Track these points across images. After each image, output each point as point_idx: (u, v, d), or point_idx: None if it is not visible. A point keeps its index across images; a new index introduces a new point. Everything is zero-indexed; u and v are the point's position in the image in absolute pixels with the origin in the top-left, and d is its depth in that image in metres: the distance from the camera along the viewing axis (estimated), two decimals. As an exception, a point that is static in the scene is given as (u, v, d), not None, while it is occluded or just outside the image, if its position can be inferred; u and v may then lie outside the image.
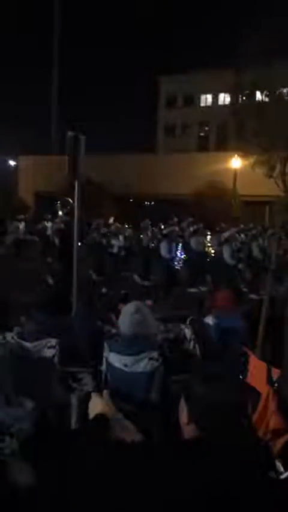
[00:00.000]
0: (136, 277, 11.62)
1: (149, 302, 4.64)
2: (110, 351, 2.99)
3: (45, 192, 26.84)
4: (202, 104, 42.89)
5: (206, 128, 42.17)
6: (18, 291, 4.64)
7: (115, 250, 12.02)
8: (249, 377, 3.13)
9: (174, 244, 11.13)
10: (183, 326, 3.89)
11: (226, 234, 11.77)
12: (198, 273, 10.40)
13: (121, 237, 12.33)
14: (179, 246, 11.44)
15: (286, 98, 11.11)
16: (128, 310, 3.05)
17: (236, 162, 20.18)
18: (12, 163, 32.10)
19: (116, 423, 1.50)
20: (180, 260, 11.20)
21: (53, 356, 3.31)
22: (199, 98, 42.75)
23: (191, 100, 42.60)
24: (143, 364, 2.85)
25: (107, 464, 1.28)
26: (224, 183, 21.77)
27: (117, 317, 3.47)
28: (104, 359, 3.05)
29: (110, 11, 66.14)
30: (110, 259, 11.88)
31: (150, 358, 2.85)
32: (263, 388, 2.85)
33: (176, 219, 15.32)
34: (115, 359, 2.94)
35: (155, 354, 2.85)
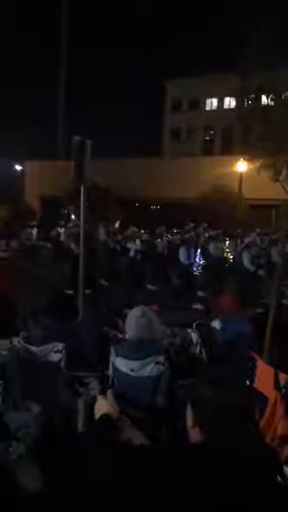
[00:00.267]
0: (148, 281, 11.61)
1: (155, 307, 4.62)
2: (117, 355, 2.99)
3: (51, 197, 26.94)
4: (207, 108, 42.93)
5: (212, 132, 42.17)
6: (27, 296, 4.66)
7: (132, 253, 12.00)
8: (257, 382, 3.12)
9: (192, 250, 11.05)
10: (189, 330, 3.89)
11: (246, 240, 11.67)
12: (217, 279, 10.30)
13: (138, 241, 12.28)
14: (198, 252, 11.35)
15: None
16: (133, 314, 3.05)
17: (241, 166, 20.16)
18: (18, 167, 32.28)
19: (123, 427, 1.50)
20: (199, 266, 11.11)
21: (60, 360, 3.31)
22: (204, 102, 42.81)
23: (197, 104, 42.66)
24: (150, 368, 2.84)
25: (113, 467, 1.28)
26: (230, 186, 21.74)
27: (123, 322, 3.47)
28: (110, 363, 3.05)
29: (114, 14, 66.47)
30: (126, 263, 11.81)
31: (157, 363, 2.84)
32: (270, 393, 2.83)
33: (192, 224, 15.26)
34: (121, 363, 2.94)
35: (161, 358, 2.85)
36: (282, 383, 2.87)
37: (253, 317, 4.88)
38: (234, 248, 12.58)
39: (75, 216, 18.16)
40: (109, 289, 10.61)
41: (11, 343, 3.43)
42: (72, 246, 11.20)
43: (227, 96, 37.05)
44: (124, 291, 9.37)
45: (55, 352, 3.33)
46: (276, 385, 2.86)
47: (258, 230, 14.77)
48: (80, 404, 2.97)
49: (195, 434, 1.39)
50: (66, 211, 21.96)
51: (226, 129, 35.72)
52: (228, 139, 32.52)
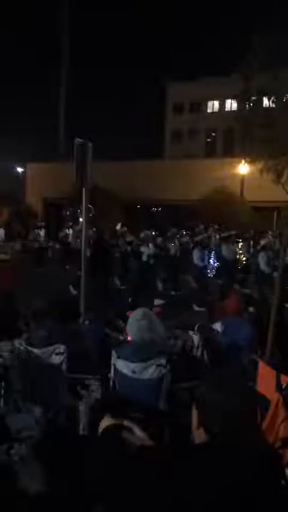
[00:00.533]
0: (160, 285, 11.56)
1: (157, 309, 4.62)
2: (118, 357, 2.99)
3: (53, 199, 26.98)
4: (209, 110, 42.99)
5: (213, 134, 42.22)
6: (32, 298, 4.65)
7: (144, 258, 11.95)
8: (258, 384, 3.11)
9: (206, 252, 10.98)
10: (191, 332, 3.88)
11: (262, 242, 11.57)
12: (231, 281, 10.20)
13: (151, 245, 12.21)
14: (212, 254, 11.25)
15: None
16: (135, 316, 3.05)
17: (243, 168, 20.17)
18: (20, 169, 32.35)
19: (127, 429, 1.50)
20: (213, 268, 11.01)
21: (61, 362, 3.31)
22: (206, 104, 42.87)
23: (198, 106, 42.73)
24: (151, 370, 2.84)
25: (118, 469, 1.29)
26: (231, 189, 21.75)
27: (125, 324, 3.47)
28: (112, 366, 3.05)
29: (115, 14, 66.53)
30: (139, 267, 11.77)
31: (158, 365, 2.84)
32: (272, 395, 2.82)
33: (202, 226, 15.16)
34: (123, 365, 2.94)
35: (162, 361, 2.85)
36: (284, 385, 2.86)
37: (255, 319, 4.88)
38: (247, 250, 12.46)
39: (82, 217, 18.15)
40: (119, 292, 10.51)
41: (13, 345, 3.43)
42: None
43: (228, 98, 37.08)
44: (135, 294, 9.28)
45: (57, 354, 3.33)
46: (278, 388, 2.85)
47: (270, 232, 14.66)
48: (82, 407, 2.97)
49: (200, 436, 1.40)
50: (67, 213, 21.96)
51: (228, 131, 35.74)
52: (230, 142, 32.53)
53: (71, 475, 1.40)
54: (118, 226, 16.53)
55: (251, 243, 13.43)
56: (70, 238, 15.86)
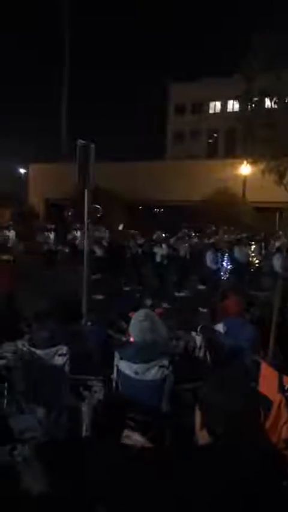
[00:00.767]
0: (172, 287, 11.53)
1: (159, 310, 4.63)
2: (121, 358, 2.99)
3: (55, 199, 27.04)
4: (211, 111, 42.98)
5: (215, 135, 42.20)
6: (38, 300, 4.65)
7: (158, 258, 11.93)
8: (261, 385, 3.11)
9: (219, 254, 10.93)
10: (193, 333, 3.88)
11: (277, 243, 11.48)
12: (243, 284, 10.09)
13: (164, 245, 12.19)
14: (225, 256, 11.21)
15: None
16: (137, 317, 3.06)
17: (245, 169, 20.18)
18: (22, 170, 32.42)
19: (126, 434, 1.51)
20: (226, 270, 10.96)
21: (64, 364, 3.32)
22: (208, 105, 42.86)
23: (200, 107, 42.71)
24: (154, 371, 2.85)
25: (119, 470, 1.29)
26: (234, 189, 21.76)
27: (128, 325, 3.48)
28: (114, 367, 3.05)
29: (115, 13, 66.51)
30: (153, 268, 11.73)
31: (161, 366, 2.84)
32: (274, 396, 2.82)
33: (213, 228, 15.11)
34: (125, 366, 2.94)
35: (165, 362, 2.85)
36: (286, 386, 2.86)
37: (257, 320, 4.87)
38: (259, 252, 12.39)
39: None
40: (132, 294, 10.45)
41: (16, 346, 3.44)
42: (95, 248, 11.04)
43: (230, 99, 37.07)
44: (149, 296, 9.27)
45: (59, 355, 3.33)
46: (281, 388, 2.85)
47: (280, 233, 14.59)
48: (84, 408, 2.97)
49: (203, 437, 1.40)
50: (69, 214, 21.98)
51: (229, 132, 35.72)
52: (232, 143, 32.52)
53: (73, 476, 1.41)
54: (120, 227, 16.55)
55: (263, 245, 13.36)
56: (78, 241, 15.86)
